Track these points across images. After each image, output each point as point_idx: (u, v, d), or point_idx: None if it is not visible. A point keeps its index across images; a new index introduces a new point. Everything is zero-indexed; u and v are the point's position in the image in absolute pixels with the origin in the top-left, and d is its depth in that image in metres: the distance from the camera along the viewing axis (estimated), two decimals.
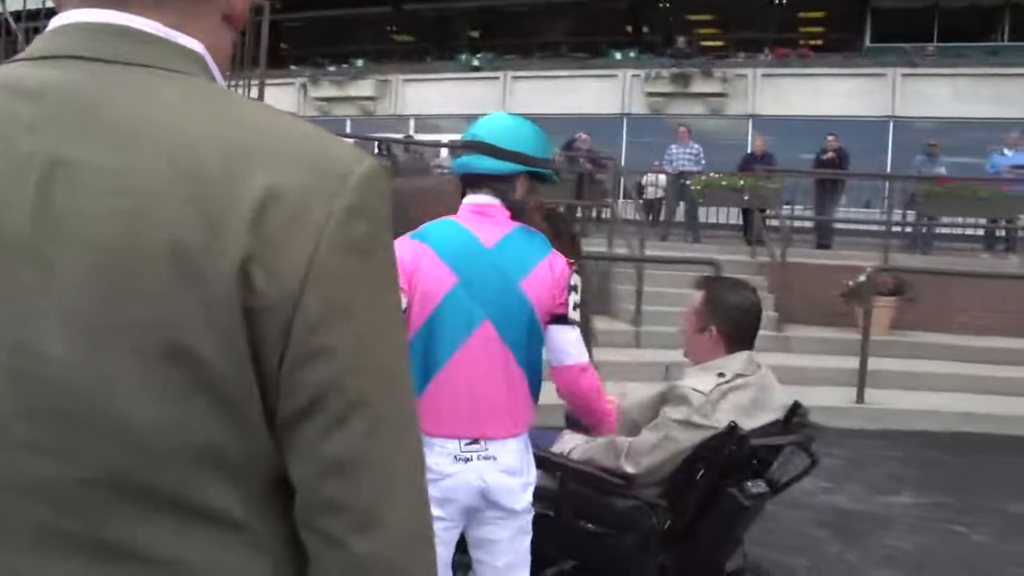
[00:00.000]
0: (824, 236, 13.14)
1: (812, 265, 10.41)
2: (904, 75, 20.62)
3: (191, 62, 0.86)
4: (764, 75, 21.67)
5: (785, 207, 12.77)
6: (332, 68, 24.94)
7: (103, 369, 0.77)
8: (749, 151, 15.30)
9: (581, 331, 2.54)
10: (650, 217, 15.00)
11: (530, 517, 2.51)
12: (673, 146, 14.71)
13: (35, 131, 0.79)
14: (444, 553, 2.47)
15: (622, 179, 14.91)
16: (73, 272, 0.76)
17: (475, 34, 26.68)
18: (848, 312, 9.33)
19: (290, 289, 0.77)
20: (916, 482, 6.11)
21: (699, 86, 21.66)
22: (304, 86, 24.71)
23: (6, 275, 0.79)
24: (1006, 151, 13.43)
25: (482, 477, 2.40)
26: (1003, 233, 13.14)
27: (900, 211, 13.06)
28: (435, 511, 2.35)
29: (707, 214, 14.22)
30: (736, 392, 2.88)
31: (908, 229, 13.33)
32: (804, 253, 11.25)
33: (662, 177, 15.38)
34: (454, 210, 2.53)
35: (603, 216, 13.43)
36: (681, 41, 22.96)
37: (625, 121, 22.43)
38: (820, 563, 4.59)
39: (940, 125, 19.03)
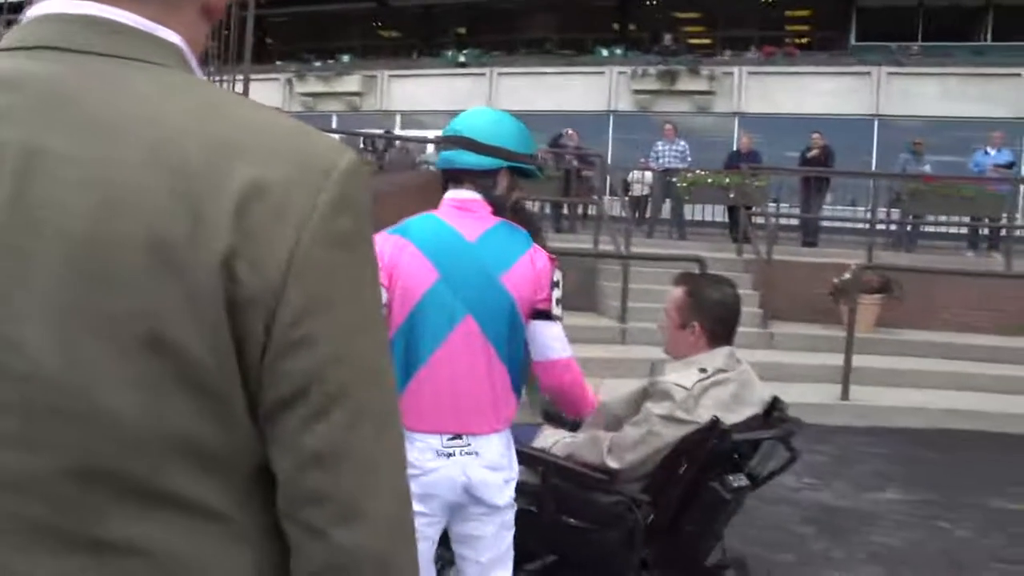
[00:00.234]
0: (810, 234, 13.20)
1: (798, 263, 10.46)
2: (889, 74, 20.74)
3: (170, 55, 0.86)
4: (750, 73, 21.75)
5: (771, 205, 12.80)
6: (318, 63, 24.86)
7: (81, 361, 0.76)
8: (735, 149, 15.33)
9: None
10: (636, 214, 15.02)
11: (513, 512, 2.50)
12: (659, 143, 14.73)
13: (11, 121, 0.79)
14: (427, 548, 2.46)
15: (608, 176, 14.92)
16: (50, 263, 0.76)
17: (462, 30, 26.66)
18: (833, 309, 9.38)
19: (273, 281, 0.77)
20: (901, 478, 6.13)
21: (686, 84, 21.72)
22: (290, 81, 24.63)
23: None
24: (989, 150, 13.51)
25: (465, 472, 2.38)
26: (987, 232, 13.22)
27: (885, 209, 13.12)
28: (418, 507, 2.34)
29: (693, 211, 14.26)
30: (718, 387, 2.90)
31: (893, 227, 13.40)
32: (790, 251, 11.31)
33: (648, 174, 15.40)
34: (434, 203, 2.51)
35: (589, 213, 13.43)
36: (668, 38, 22.99)
37: (611, 118, 22.46)
38: (806, 559, 4.60)
39: (925, 124, 19.14)
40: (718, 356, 2.97)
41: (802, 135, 14.81)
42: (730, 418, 2.82)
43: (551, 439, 3.05)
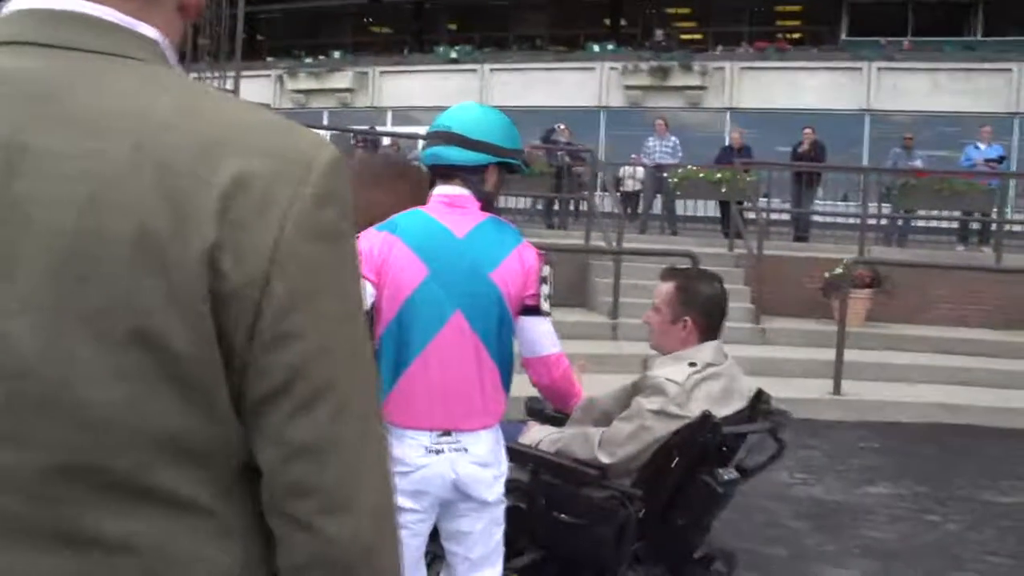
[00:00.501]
0: (801, 229, 13.21)
1: (789, 258, 10.47)
2: (880, 68, 20.79)
3: (150, 50, 0.86)
4: (742, 68, 21.78)
5: (762, 200, 12.81)
6: (309, 60, 24.81)
7: (66, 355, 0.77)
8: (726, 144, 15.33)
9: None
10: (628, 210, 15.02)
11: (502, 508, 2.50)
12: (651, 139, 14.72)
13: None
14: (417, 545, 2.45)
15: (599, 172, 14.90)
16: (35, 258, 0.76)
17: (453, 26, 26.63)
18: (825, 304, 9.39)
19: (257, 274, 0.78)
20: (892, 473, 6.15)
21: (677, 79, 21.74)
22: (281, 78, 24.58)
23: None
24: (980, 145, 13.54)
25: (454, 469, 2.38)
26: (977, 226, 13.25)
27: (876, 204, 13.14)
28: (408, 503, 2.34)
29: (685, 207, 14.25)
30: (708, 382, 2.90)
31: (884, 222, 13.42)
32: (781, 246, 11.31)
33: (640, 170, 15.40)
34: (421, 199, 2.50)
35: (581, 209, 13.42)
36: (659, 34, 22.99)
37: (603, 114, 22.46)
38: (799, 554, 4.61)
39: (915, 118, 19.22)
40: (707, 350, 2.98)
41: (794, 130, 14.83)
42: (721, 412, 2.83)
43: (537, 435, 3.04)
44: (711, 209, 14.24)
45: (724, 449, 2.92)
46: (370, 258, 2.34)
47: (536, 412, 3.27)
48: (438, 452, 2.37)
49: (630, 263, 9.26)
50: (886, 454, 6.62)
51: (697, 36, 24.46)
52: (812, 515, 5.20)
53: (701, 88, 21.75)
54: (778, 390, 3.09)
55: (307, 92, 24.66)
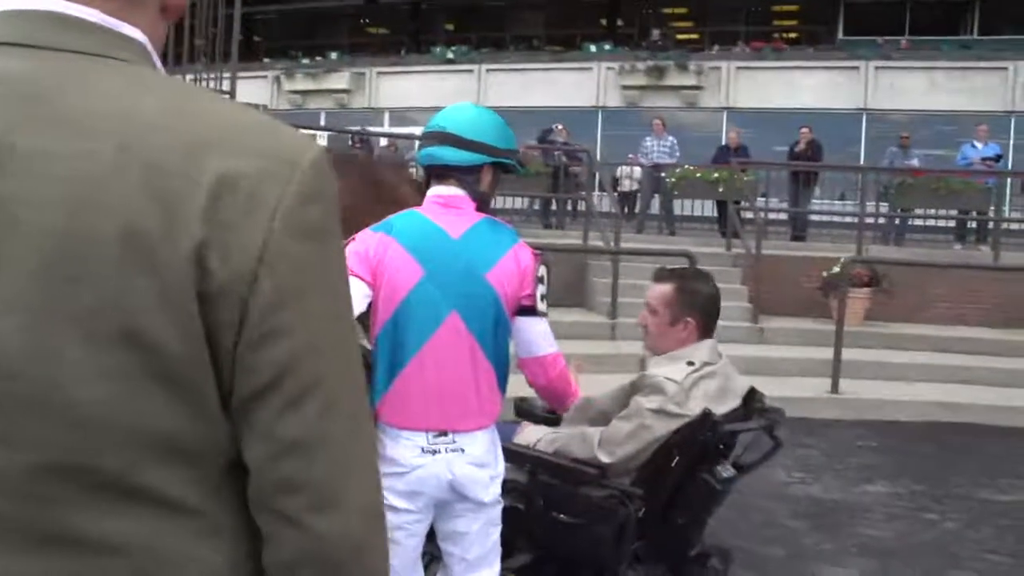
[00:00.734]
0: (798, 228, 13.21)
1: (787, 257, 10.46)
2: (877, 67, 20.81)
3: (134, 51, 0.86)
4: (739, 68, 21.79)
5: (760, 199, 12.81)
6: (306, 61, 24.80)
7: (55, 355, 0.77)
8: (724, 143, 15.34)
9: None
10: (625, 210, 15.01)
11: (499, 509, 2.49)
12: (648, 139, 14.71)
13: None
14: (414, 545, 2.45)
15: (597, 172, 14.90)
16: (23, 258, 0.76)
17: (450, 27, 26.64)
18: (823, 303, 9.39)
19: (245, 272, 0.78)
20: (890, 471, 6.15)
21: (674, 79, 21.74)
22: (278, 79, 24.57)
23: None
24: (976, 143, 13.55)
25: (450, 469, 2.37)
26: (974, 225, 13.25)
27: (874, 203, 13.14)
28: (404, 504, 2.34)
29: (682, 206, 14.25)
30: (706, 380, 2.91)
31: (881, 221, 13.43)
32: (779, 245, 11.31)
33: (637, 170, 15.39)
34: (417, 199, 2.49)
35: (578, 209, 13.42)
36: (656, 34, 23.01)
37: (600, 114, 22.47)
38: (797, 553, 4.60)
39: (912, 117, 19.22)
40: (703, 349, 2.98)
41: (791, 129, 14.83)
42: (718, 410, 2.83)
43: (533, 436, 3.04)
44: (708, 209, 14.24)
45: (722, 447, 2.92)
46: (365, 259, 2.34)
47: (525, 413, 3.26)
48: (434, 453, 2.36)
49: (628, 263, 9.25)
50: (884, 453, 6.62)
51: (694, 36, 24.47)
52: (810, 514, 5.19)
53: (698, 88, 21.76)
54: (776, 389, 3.09)
55: (304, 93, 24.65)
